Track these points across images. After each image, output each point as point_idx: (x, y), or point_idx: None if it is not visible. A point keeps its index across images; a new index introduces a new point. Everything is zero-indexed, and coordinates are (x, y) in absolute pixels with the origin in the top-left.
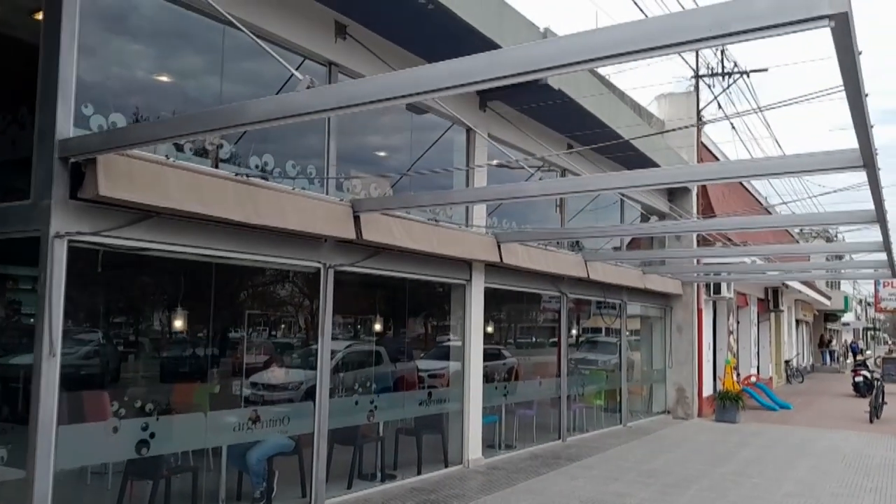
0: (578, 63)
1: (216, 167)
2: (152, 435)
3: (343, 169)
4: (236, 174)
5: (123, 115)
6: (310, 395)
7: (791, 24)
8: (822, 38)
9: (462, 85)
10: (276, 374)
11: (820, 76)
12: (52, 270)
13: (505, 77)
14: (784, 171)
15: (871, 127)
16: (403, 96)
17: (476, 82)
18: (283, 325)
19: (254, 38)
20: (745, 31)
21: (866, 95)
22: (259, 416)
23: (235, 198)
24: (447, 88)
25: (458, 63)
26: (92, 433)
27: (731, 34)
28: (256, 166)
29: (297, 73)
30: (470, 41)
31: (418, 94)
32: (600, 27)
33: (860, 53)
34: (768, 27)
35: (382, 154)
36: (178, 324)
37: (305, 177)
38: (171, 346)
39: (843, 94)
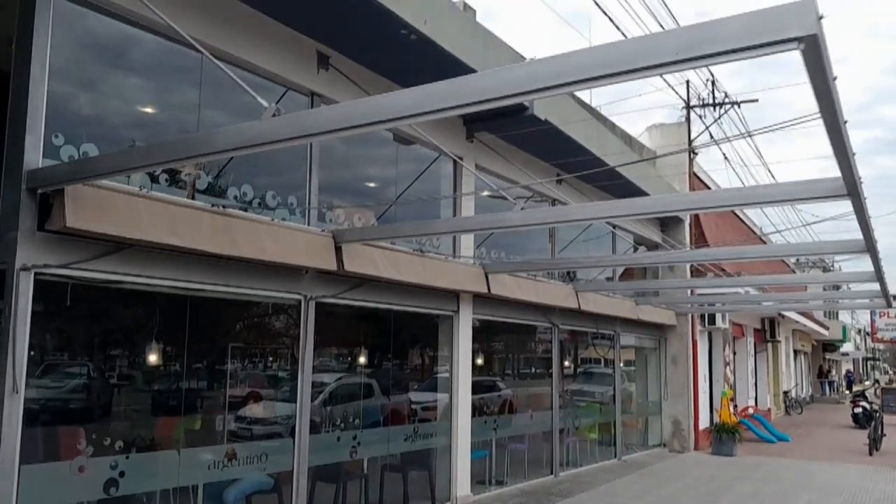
0: (553, 87)
1: (193, 198)
2: (122, 474)
3: (326, 200)
4: (213, 205)
5: (96, 146)
6: (293, 430)
7: (760, 46)
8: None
9: (433, 112)
10: (253, 409)
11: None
12: (18, 304)
13: (477, 103)
14: (769, 200)
15: (853, 155)
16: (370, 124)
17: (447, 109)
18: (264, 359)
19: (218, 63)
20: (715, 55)
21: (845, 122)
22: (236, 453)
23: (211, 229)
24: (417, 115)
25: (435, 87)
26: (57, 473)
27: (701, 57)
28: (235, 197)
29: (262, 101)
30: (454, 71)
31: (385, 121)
32: (574, 50)
33: (835, 78)
34: (738, 50)
35: (368, 185)
36: (154, 358)
37: (286, 207)
38: (146, 380)
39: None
